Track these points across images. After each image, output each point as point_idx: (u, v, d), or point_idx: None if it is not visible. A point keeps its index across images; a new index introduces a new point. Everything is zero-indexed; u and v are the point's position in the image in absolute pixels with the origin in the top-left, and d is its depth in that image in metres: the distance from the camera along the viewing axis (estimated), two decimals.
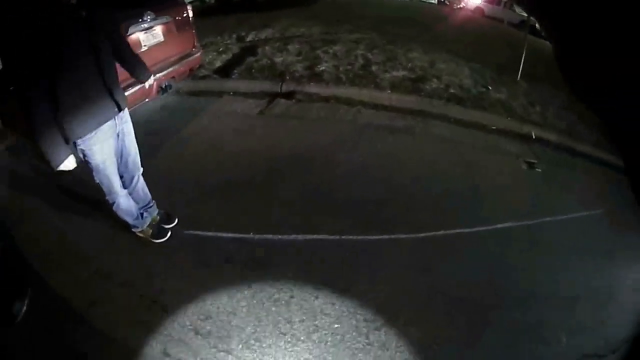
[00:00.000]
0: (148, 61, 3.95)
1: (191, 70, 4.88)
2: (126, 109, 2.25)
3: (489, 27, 12.85)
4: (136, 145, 2.41)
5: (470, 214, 2.97)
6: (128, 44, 2.36)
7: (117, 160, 2.30)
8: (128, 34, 3.72)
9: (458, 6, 19.69)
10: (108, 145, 2.16)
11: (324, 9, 10.94)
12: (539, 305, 2.23)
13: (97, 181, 2.25)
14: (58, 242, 2.55)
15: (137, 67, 2.42)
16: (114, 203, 2.37)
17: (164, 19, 4.19)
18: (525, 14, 8.34)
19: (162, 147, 3.75)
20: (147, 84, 2.51)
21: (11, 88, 3.69)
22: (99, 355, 1.82)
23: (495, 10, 17.45)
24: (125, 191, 2.41)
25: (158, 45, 4.11)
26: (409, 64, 6.04)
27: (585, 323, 2.16)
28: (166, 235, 2.60)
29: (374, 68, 5.75)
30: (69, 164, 2.02)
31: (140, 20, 3.91)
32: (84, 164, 2.17)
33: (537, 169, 3.89)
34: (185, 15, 4.57)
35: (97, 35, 1.98)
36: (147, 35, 4.01)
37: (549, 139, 4.61)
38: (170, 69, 4.29)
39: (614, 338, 2.03)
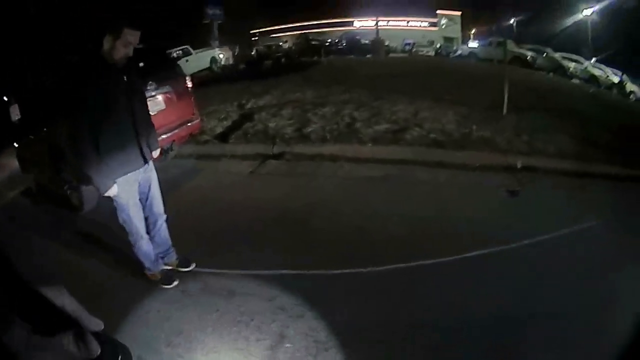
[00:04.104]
0: None
1: (191, 134, 5.47)
2: (151, 160, 2.71)
3: (480, 69, 13.27)
4: (160, 193, 2.80)
5: (436, 247, 3.07)
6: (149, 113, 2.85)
7: (143, 204, 2.69)
8: None
9: (454, 54, 20.53)
10: (133, 189, 2.59)
11: (322, 72, 11.79)
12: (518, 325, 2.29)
13: (121, 221, 2.63)
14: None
15: (151, 135, 2.79)
16: (135, 244, 2.69)
17: (165, 89, 4.80)
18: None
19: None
20: (154, 154, 2.82)
21: (31, 137, 4.32)
22: None
23: (488, 51, 17.94)
24: (147, 236, 2.73)
25: (160, 112, 4.66)
26: (393, 117, 6.49)
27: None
28: (173, 283, 2.80)
29: (358, 125, 6.23)
30: (114, 190, 2.45)
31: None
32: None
33: (519, 197, 3.93)
34: (184, 85, 5.20)
35: (135, 98, 2.54)
36: (150, 103, 4.51)
37: (536, 165, 4.65)
38: (170, 134, 4.85)
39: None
